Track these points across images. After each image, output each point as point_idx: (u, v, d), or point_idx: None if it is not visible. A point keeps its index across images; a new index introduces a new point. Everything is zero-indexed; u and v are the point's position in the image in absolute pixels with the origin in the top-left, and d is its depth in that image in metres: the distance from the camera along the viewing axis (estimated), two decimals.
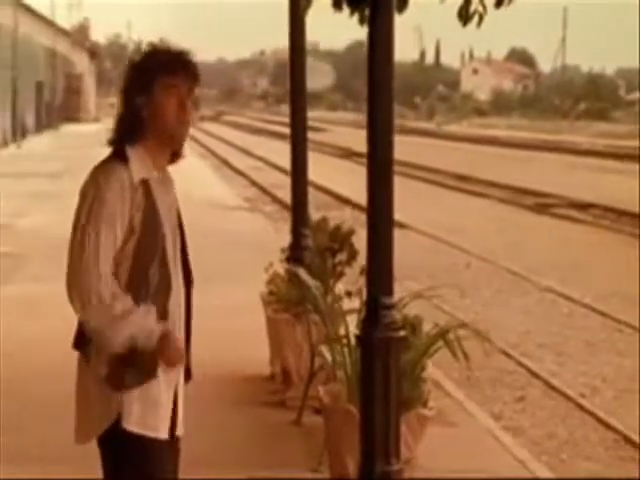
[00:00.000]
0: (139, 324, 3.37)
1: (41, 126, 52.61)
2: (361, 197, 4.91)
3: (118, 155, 3.45)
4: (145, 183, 3.44)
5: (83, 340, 3.46)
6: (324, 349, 5.82)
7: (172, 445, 3.57)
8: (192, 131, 3.78)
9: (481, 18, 4.82)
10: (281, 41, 8.40)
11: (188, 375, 3.69)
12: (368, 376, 4.87)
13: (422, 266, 14.85)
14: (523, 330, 11.23)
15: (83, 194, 3.42)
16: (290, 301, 7.19)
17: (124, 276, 3.39)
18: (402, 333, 4.94)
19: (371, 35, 4.76)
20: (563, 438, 7.74)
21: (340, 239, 7.25)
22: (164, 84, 3.47)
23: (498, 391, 8.95)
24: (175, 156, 3.58)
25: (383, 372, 4.83)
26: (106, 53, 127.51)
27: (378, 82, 4.79)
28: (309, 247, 7.42)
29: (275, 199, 24.22)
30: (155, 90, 3.46)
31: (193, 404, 6.89)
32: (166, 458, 3.53)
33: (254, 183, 28.71)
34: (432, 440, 6.20)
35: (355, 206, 21.81)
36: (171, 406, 3.54)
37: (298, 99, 7.77)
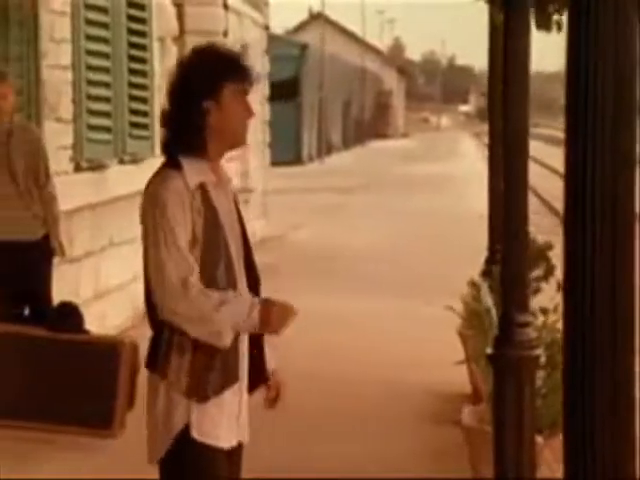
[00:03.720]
0: (235, 309, 3.29)
1: (348, 142, 54.13)
2: None
3: (170, 163, 3.38)
4: (202, 188, 3.35)
5: (157, 359, 3.42)
6: None
7: (233, 453, 3.51)
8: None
9: (559, 26, 4.74)
10: None
11: (262, 379, 3.57)
12: (499, 396, 4.70)
13: None
14: None
15: (143, 211, 3.37)
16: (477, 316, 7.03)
17: None
18: (537, 352, 4.74)
19: (506, 41, 4.67)
20: None
21: (535, 253, 6.98)
22: (235, 89, 3.39)
23: None
24: None
25: (516, 392, 4.64)
26: (420, 70, 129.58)
27: (513, 89, 4.68)
28: None
29: (552, 210, 23.48)
30: (225, 95, 3.36)
31: (382, 415, 6.96)
32: (226, 466, 3.47)
33: (536, 194, 27.95)
34: None
35: None
36: (236, 414, 3.47)
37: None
